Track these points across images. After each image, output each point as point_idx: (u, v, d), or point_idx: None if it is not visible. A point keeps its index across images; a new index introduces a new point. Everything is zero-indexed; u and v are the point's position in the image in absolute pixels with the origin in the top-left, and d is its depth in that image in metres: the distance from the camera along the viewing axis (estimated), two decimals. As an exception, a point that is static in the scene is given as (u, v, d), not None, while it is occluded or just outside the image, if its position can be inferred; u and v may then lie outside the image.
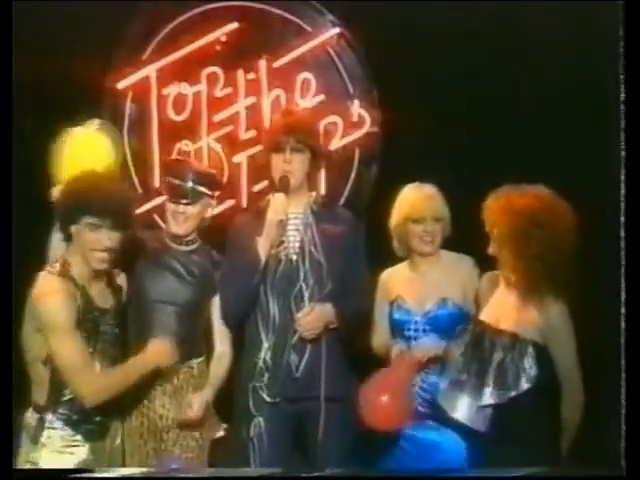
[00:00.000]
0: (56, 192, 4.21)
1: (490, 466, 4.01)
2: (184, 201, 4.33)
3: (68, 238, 4.03)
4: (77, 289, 3.99)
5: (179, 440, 4.32)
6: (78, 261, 4.02)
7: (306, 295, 4.36)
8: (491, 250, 4.19)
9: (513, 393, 4.10)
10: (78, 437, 4.01)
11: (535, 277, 4.08)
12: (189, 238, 4.41)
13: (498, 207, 4.13)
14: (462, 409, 4.17)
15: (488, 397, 4.13)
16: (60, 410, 4.00)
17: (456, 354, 4.24)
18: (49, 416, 3.97)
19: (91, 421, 4.04)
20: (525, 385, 4.10)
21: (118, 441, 4.19)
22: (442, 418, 4.26)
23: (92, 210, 3.98)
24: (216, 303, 4.42)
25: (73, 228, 4.00)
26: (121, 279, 4.27)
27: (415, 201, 4.50)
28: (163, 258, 4.39)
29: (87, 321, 4.00)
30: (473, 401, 4.15)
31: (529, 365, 4.10)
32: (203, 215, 4.40)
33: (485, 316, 4.24)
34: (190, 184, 4.35)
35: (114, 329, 4.12)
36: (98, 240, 3.99)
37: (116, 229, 4.01)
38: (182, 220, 4.35)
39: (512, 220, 4.08)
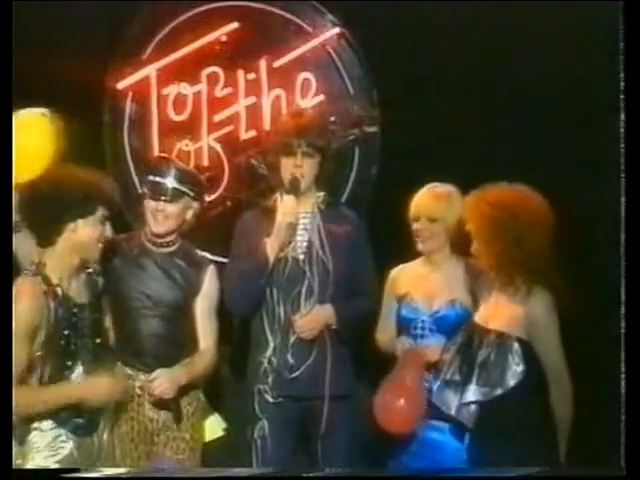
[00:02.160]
0: (37, 194, 4.00)
1: (490, 466, 4.02)
2: (163, 198, 4.33)
3: (51, 239, 3.97)
4: (52, 287, 3.95)
5: (169, 442, 4.32)
6: (59, 259, 3.99)
7: (310, 296, 4.38)
8: (472, 249, 4.23)
9: (499, 390, 4.12)
10: (65, 433, 3.96)
11: (510, 265, 4.11)
12: (168, 239, 4.39)
13: (473, 202, 4.17)
14: (453, 406, 4.20)
15: (471, 394, 4.16)
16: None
17: (452, 354, 4.27)
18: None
19: (79, 416, 3.99)
20: (511, 382, 4.12)
21: (105, 437, 4.10)
22: (439, 415, 4.29)
23: (105, 202, 3.99)
24: (200, 302, 4.40)
25: (71, 225, 3.96)
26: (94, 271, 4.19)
27: (417, 200, 4.52)
28: (142, 261, 4.37)
29: (66, 318, 3.97)
30: (461, 398, 4.18)
31: (515, 362, 4.13)
32: (184, 216, 4.39)
33: (477, 316, 4.27)
34: (171, 182, 4.35)
35: (91, 321, 4.06)
36: (103, 232, 4.01)
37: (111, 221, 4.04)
38: (162, 218, 4.34)
39: (486, 211, 4.13)
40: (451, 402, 4.21)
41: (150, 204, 4.37)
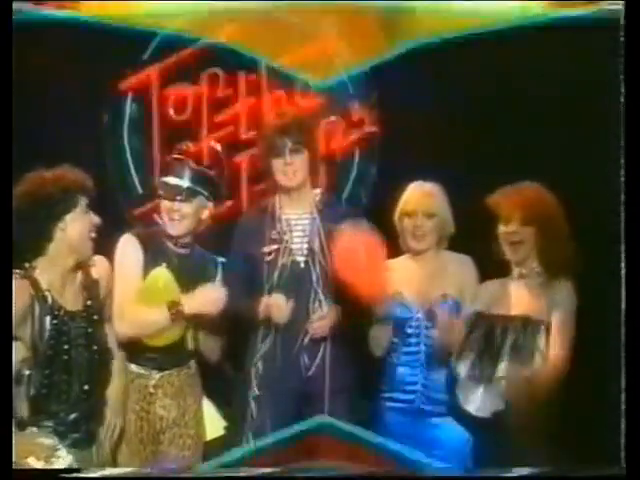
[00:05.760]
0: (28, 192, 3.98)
1: (491, 465, 4.03)
2: (179, 198, 4.34)
3: (42, 245, 3.94)
4: (41, 293, 3.91)
5: (175, 439, 4.34)
6: (52, 263, 3.95)
7: (317, 296, 4.39)
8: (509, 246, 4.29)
9: (528, 372, 4.12)
10: (62, 447, 3.92)
11: (541, 255, 4.26)
12: (185, 240, 4.40)
13: (505, 200, 4.26)
14: (474, 400, 4.20)
15: (502, 370, 4.16)
16: (44, 423, 3.94)
17: (468, 350, 4.28)
18: (33, 429, 3.90)
19: (77, 430, 3.98)
20: (540, 362, 4.12)
21: (107, 448, 4.14)
22: (446, 412, 4.29)
23: (82, 191, 3.96)
24: None
25: (60, 225, 3.94)
26: (97, 270, 4.16)
27: (409, 197, 4.54)
28: (159, 258, 4.36)
29: (56, 328, 3.91)
30: (485, 390, 4.18)
31: (543, 345, 4.15)
32: (199, 216, 4.40)
33: (495, 309, 4.28)
34: (186, 182, 4.36)
35: (87, 329, 4.02)
36: (91, 222, 3.98)
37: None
38: (177, 219, 4.34)
39: (524, 206, 4.26)
40: (472, 396, 4.22)
41: (165, 204, 4.38)
